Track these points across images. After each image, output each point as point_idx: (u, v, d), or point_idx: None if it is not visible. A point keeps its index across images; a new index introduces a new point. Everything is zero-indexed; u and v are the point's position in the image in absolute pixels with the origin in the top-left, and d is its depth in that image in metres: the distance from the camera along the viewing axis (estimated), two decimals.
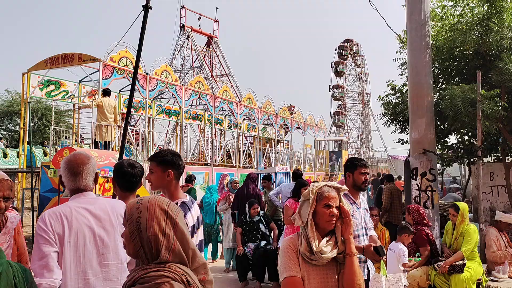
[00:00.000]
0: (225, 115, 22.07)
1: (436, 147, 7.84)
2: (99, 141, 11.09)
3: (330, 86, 51.32)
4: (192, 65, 32.19)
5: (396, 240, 5.55)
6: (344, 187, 2.50)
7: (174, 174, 2.67)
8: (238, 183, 9.18)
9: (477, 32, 7.40)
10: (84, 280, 2.24)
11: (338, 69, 50.72)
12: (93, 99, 11.87)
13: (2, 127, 25.95)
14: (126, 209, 1.55)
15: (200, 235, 2.74)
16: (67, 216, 2.28)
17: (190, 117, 21.18)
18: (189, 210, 2.62)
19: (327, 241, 2.29)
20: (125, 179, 2.83)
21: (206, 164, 16.90)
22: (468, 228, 5.54)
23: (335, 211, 2.31)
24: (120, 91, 16.81)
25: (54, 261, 2.17)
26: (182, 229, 1.55)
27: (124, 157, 5.64)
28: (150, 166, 2.72)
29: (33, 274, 2.09)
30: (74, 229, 2.27)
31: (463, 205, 5.74)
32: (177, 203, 2.55)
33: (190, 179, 9.80)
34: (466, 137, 9.06)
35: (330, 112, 50.92)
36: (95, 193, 2.58)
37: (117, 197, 2.96)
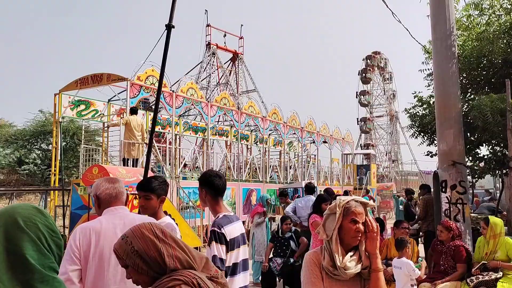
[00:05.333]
0: (251, 130, 22.15)
1: (467, 159, 7.64)
2: (127, 159, 11.31)
3: (357, 92, 50.70)
4: (219, 82, 32.56)
5: (399, 256, 5.40)
6: (371, 202, 2.46)
7: (208, 192, 2.84)
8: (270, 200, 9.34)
9: (505, 41, 7.25)
10: None
11: (365, 76, 50.17)
12: (121, 118, 12.13)
13: (36, 147, 26.74)
14: (116, 250, 1.57)
15: (243, 253, 2.82)
16: (95, 232, 2.36)
17: (217, 133, 21.35)
18: (231, 222, 2.77)
19: (351, 256, 2.25)
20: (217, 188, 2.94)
21: (233, 180, 16.95)
22: (508, 241, 5.37)
23: (361, 227, 2.26)
24: (147, 109, 17.13)
25: (74, 277, 2.28)
26: (173, 236, 1.61)
27: (151, 174, 5.72)
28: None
29: None
30: (101, 244, 2.33)
31: (495, 219, 5.55)
32: (218, 216, 2.78)
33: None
34: (498, 148, 8.80)
35: (357, 118, 50.20)
36: None
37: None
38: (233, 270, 2.72)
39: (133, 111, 11.59)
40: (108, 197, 2.54)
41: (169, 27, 4.40)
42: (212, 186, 2.84)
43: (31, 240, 1.25)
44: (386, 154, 52.33)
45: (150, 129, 15.49)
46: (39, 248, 1.27)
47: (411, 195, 11.07)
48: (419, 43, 8.85)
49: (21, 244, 1.24)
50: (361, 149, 47.31)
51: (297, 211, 7.94)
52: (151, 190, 2.99)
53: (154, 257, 1.52)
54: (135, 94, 12.26)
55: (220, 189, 2.87)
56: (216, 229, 2.67)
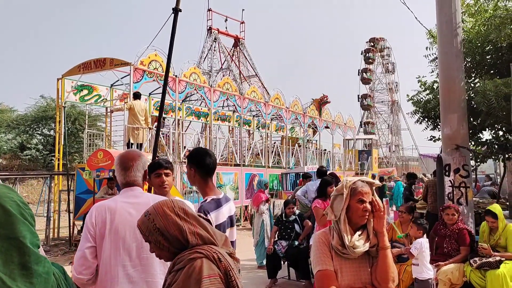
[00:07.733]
0: (253, 115, 22.16)
1: (470, 143, 7.67)
2: (132, 143, 11.36)
3: (358, 96, 51.48)
4: (221, 67, 32.43)
5: (420, 236, 5.15)
6: (377, 182, 2.51)
7: (197, 172, 2.71)
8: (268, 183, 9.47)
9: (511, 26, 7.21)
10: (123, 272, 2.33)
11: (365, 76, 50.79)
12: (124, 103, 12.15)
13: (38, 132, 26.79)
14: (139, 226, 1.64)
15: (231, 235, 2.76)
16: (111, 210, 2.41)
17: (219, 119, 21.37)
18: (219, 207, 2.66)
19: (359, 235, 2.31)
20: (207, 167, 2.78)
21: (236, 165, 17.03)
22: (510, 228, 5.41)
23: (368, 206, 2.31)
24: (150, 94, 17.13)
25: (88, 254, 2.34)
26: (194, 214, 1.66)
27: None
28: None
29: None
30: (116, 223, 2.38)
31: (496, 208, 5.59)
32: (205, 200, 2.67)
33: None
34: (501, 133, 8.82)
35: (360, 122, 50.85)
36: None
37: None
38: None
39: (137, 96, 11.61)
40: (122, 186, 2.60)
41: (176, 10, 4.40)
42: (201, 165, 2.69)
43: (20, 222, 1.20)
44: (389, 130, 53.15)
45: (155, 115, 15.52)
46: (28, 227, 1.23)
47: (413, 179, 11.47)
48: (424, 26, 8.81)
49: (12, 227, 1.19)
50: (361, 127, 47.83)
51: (308, 194, 7.98)
52: (171, 167, 3.09)
53: (175, 235, 1.58)
54: (138, 79, 12.26)
55: (210, 168, 2.72)
56: (202, 215, 2.52)
